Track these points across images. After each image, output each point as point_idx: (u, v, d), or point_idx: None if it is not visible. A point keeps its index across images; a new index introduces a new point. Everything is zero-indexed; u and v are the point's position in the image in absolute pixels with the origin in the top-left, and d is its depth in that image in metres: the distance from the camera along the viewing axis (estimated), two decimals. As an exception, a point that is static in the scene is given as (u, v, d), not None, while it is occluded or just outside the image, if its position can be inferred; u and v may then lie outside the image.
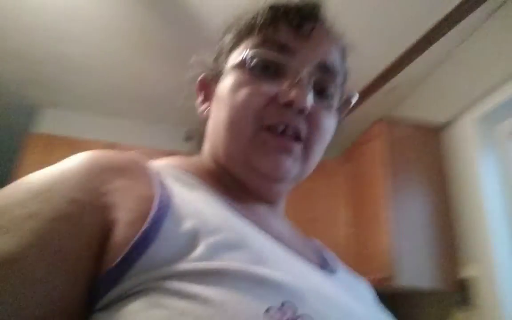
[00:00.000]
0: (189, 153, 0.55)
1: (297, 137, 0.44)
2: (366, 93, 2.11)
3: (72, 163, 0.35)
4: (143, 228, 0.30)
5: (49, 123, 2.79)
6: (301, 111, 0.43)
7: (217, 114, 0.48)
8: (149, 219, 0.31)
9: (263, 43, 0.46)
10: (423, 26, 1.84)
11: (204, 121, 0.54)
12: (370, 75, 2.17)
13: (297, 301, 0.29)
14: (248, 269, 0.30)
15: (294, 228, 0.54)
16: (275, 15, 0.47)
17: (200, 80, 0.55)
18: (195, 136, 0.58)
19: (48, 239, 0.28)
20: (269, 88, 0.44)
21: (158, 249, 0.30)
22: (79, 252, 0.29)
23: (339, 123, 0.52)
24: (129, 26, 2.07)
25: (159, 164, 0.43)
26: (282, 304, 0.28)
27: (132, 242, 0.29)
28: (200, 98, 0.55)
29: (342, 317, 0.33)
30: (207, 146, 0.52)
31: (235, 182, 0.47)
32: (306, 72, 0.44)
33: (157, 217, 0.31)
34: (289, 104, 0.43)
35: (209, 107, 0.53)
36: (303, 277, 0.36)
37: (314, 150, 0.46)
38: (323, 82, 0.46)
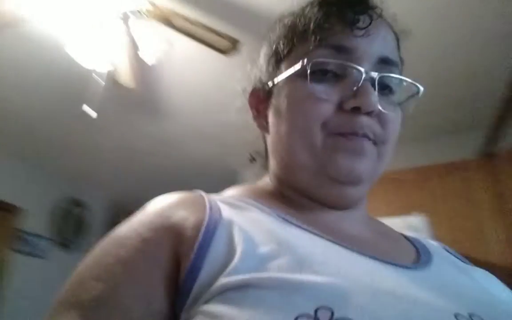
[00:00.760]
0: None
1: (367, 137, 0.43)
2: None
3: (144, 210, 0.42)
4: (190, 261, 0.34)
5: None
6: (369, 114, 0.42)
7: (280, 127, 0.47)
8: (195, 250, 0.34)
9: (318, 48, 0.44)
10: None
11: (263, 136, 0.55)
12: None
13: (338, 304, 0.28)
14: (281, 276, 0.31)
15: (382, 229, 0.52)
16: (327, 15, 0.44)
17: (251, 94, 0.54)
18: (260, 156, 0.58)
19: (133, 277, 0.34)
20: (332, 94, 0.43)
21: (206, 274, 0.33)
22: (158, 282, 0.34)
23: (405, 114, 0.49)
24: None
25: (220, 195, 0.46)
26: (316, 310, 0.28)
27: (184, 274, 0.34)
28: (253, 114, 0.54)
29: (405, 314, 0.30)
30: (271, 163, 0.52)
31: (299, 194, 0.47)
32: (367, 71, 0.42)
33: (202, 245, 0.34)
34: (356, 109, 0.42)
35: (265, 122, 0.52)
36: (361, 277, 0.33)
37: (386, 148, 0.45)
38: (385, 77, 0.44)
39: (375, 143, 0.44)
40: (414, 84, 0.46)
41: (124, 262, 0.35)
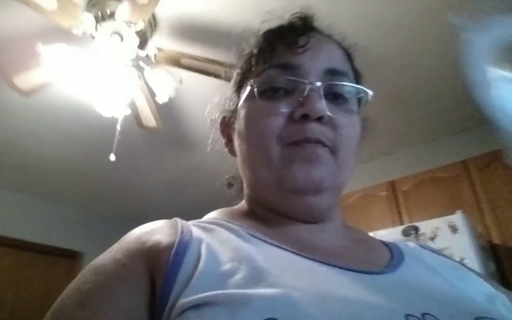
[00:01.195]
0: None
1: (322, 143, 0.44)
2: None
3: (122, 239, 0.43)
4: (161, 284, 0.35)
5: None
6: (318, 119, 0.44)
7: (242, 147, 0.50)
8: (164, 273, 0.35)
9: (267, 69, 0.48)
10: None
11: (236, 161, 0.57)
12: None
13: (286, 314, 0.29)
14: (232, 292, 0.31)
15: (358, 237, 0.52)
16: (270, 41, 0.49)
17: (220, 123, 0.58)
18: (236, 181, 0.60)
19: (112, 300, 0.34)
20: (282, 108, 0.45)
21: (174, 296, 0.33)
22: (139, 306, 0.35)
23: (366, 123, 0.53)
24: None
25: (198, 220, 0.48)
26: None
27: (157, 297, 0.34)
28: (224, 140, 0.58)
29: (351, 318, 0.30)
30: (244, 185, 0.54)
31: (269, 211, 0.48)
32: (312, 82, 0.45)
33: (172, 268, 0.35)
34: (305, 117, 0.43)
35: (234, 147, 0.55)
36: (315, 286, 0.34)
37: (343, 154, 0.46)
38: (334, 86, 0.47)
39: (332, 151, 0.45)
40: (363, 89, 0.49)
41: (103, 287, 0.35)
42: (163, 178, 3.46)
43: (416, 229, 2.12)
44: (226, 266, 0.35)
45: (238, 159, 0.53)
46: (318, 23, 0.53)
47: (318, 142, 0.44)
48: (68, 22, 1.55)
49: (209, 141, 0.61)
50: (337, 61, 0.49)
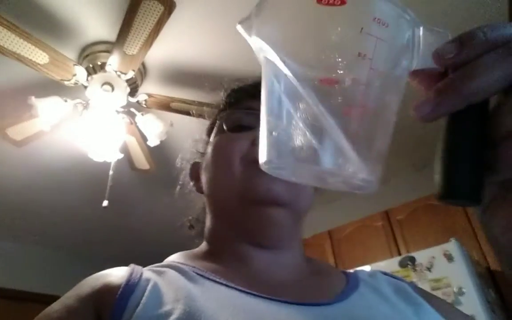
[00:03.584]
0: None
1: None
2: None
3: (76, 286, 0.44)
4: None
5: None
6: None
7: (208, 176, 0.53)
8: (110, 317, 0.37)
9: (235, 111, 0.54)
10: None
11: (203, 203, 0.59)
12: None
13: None
14: None
15: (316, 268, 0.54)
16: (237, 94, 0.56)
17: (192, 167, 0.62)
18: (197, 223, 0.62)
19: None
20: (248, 135, 0.49)
21: None
22: None
23: None
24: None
25: (156, 264, 0.49)
26: None
27: None
28: (192, 182, 0.61)
29: None
30: (207, 219, 0.56)
31: (228, 240, 0.50)
32: None
33: (117, 310, 0.37)
34: None
35: (201, 184, 0.57)
36: None
37: None
38: None
39: None
40: None
41: None
42: (158, 219, 3.44)
43: (412, 259, 2.11)
44: (167, 307, 0.36)
45: (205, 189, 0.55)
46: None
47: None
48: (60, 75, 1.60)
49: (177, 187, 0.65)
50: None
